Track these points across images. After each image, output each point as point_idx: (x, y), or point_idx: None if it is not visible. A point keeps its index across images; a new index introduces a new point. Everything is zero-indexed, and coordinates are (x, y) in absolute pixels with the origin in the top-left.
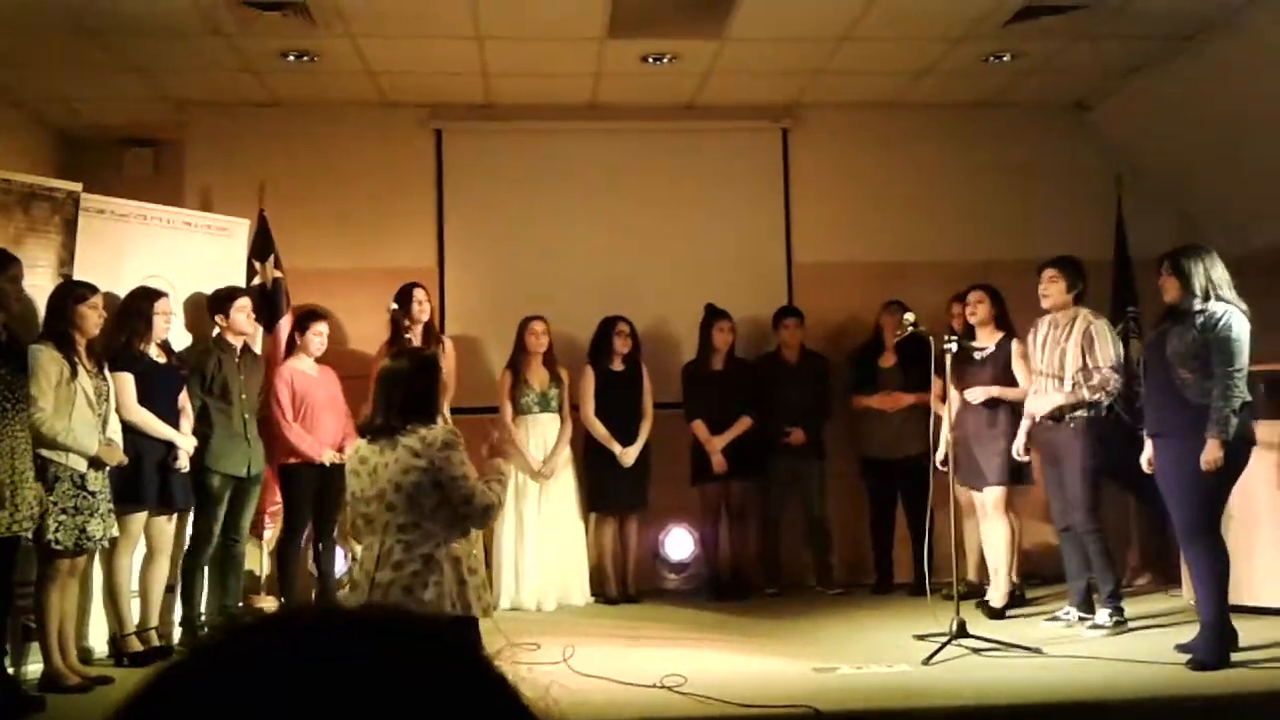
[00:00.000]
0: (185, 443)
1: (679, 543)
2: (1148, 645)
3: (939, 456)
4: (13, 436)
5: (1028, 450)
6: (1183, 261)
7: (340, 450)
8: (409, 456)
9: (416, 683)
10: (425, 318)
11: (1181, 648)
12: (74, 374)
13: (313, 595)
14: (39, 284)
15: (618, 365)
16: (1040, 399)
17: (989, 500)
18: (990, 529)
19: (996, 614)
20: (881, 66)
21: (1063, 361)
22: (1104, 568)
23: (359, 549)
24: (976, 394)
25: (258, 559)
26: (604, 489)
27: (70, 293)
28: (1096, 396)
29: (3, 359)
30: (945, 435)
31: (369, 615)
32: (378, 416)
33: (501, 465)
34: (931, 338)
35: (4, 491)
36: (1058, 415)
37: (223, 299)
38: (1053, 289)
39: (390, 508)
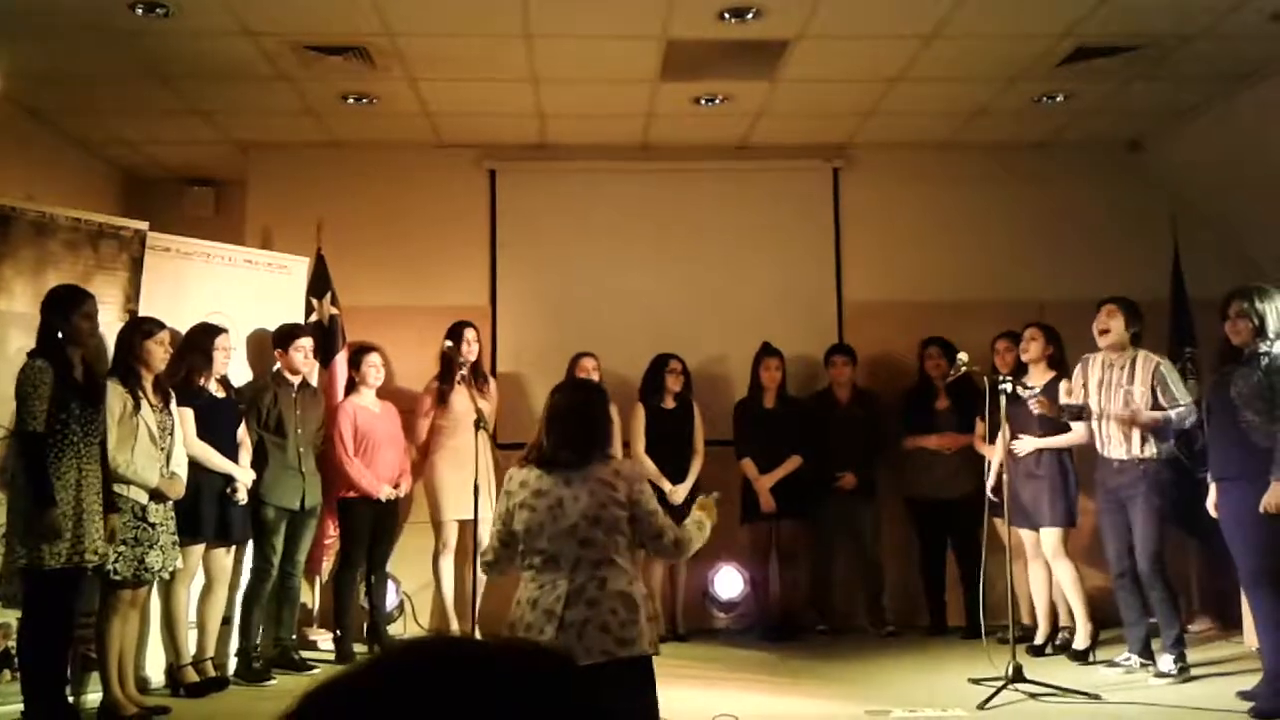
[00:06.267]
0: (243, 475)
1: (729, 581)
2: (1208, 692)
3: (990, 484)
4: (79, 470)
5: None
6: (1257, 303)
7: (396, 486)
8: (605, 490)
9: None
10: (474, 357)
11: (1243, 695)
12: (137, 408)
13: (364, 628)
14: (106, 320)
15: (669, 403)
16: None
17: (1048, 543)
18: (1057, 572)
19: (1080, 656)
20: (934, 107)
21: (1128, 403)
22: (1168, 614)
23: (528, 586)
24: (1025, 446)
25: (309, 592)
26: None
27: (137, 328)
28: (1190, 422)
29: (79, 394)
30: (995, 464)
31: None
32: (561, 449)
33: (709, 506)
34: (986, 378)
35: (64, 523)
36: (1125, 456)
37: (286, 335)
38: (1114, 324)
39: (585, 543)
